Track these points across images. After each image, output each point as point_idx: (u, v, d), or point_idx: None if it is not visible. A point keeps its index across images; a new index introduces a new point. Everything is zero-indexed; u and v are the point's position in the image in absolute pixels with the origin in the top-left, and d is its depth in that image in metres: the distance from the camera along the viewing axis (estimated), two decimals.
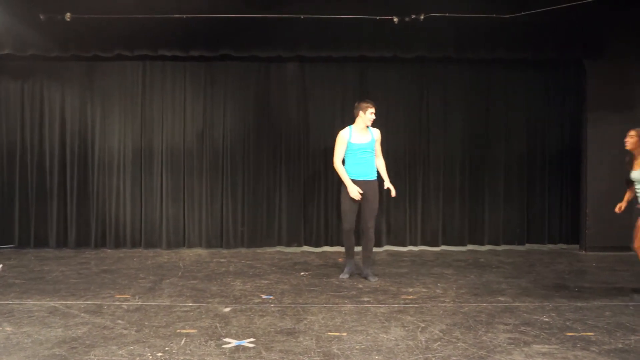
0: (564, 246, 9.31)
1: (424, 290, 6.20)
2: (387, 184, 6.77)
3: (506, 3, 8.05)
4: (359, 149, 6.55)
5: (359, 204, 6.56)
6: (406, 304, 5.60)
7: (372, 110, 6.58)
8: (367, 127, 6.62)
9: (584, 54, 8.63)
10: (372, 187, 6.58)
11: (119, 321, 4.90)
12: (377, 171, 6.73)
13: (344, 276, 6.76)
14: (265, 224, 9.05)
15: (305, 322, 4.96)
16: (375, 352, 4.15)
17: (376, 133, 6.71)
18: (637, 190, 6.06)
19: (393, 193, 6.76)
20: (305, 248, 8.96)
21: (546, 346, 4.32)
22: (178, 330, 4.66)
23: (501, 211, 9.29)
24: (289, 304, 5.59)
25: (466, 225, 9.25)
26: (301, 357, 4.06)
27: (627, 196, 6.31)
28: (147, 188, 8.96)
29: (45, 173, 8.91)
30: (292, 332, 4.67)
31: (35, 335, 4.52)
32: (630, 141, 6.16)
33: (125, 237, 8.93)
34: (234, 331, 4.65)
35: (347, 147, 6.57)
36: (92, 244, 8.90)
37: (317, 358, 4.04)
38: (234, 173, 9.03)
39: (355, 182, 6.52)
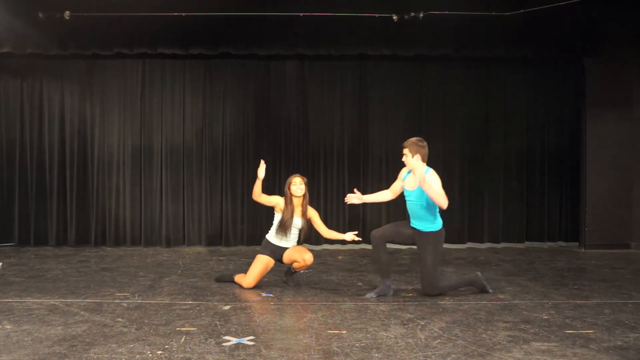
0: (563, 244, 9.33)
1: None
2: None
3: (505, 1, 8.06)
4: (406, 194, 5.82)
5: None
6: (406, 301, 5.60)
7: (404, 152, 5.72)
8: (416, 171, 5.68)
9: (583, 52, 8.64)
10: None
11: (119, 319, 4.90)
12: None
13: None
14: (264, 222, 9.04)
15: (304, 320, 4.97)
16: (374, 350, 4.16)
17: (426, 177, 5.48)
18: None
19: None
20: (305, 246, 8.94)
21: (545, 344, 4.32)
22: (178, 328, 4.66)
23: (500, 209, 9.30)
24: (288, 301, 5.59)
25: (466, 223, 9.26)
26: (301, 355, 4.06)
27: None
28: (147, 186, 8.97)
29: (45, 171, 8.92)
30: (292, 330, 4.68)
31: (35, 333, 4.52)
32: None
33: (125, 235, 8.95)
34: (234, 329, 4.66)
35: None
36: (92, 242, 8.91)
37: (317, 356, 4.04)
38: (234, 171, 9.04)
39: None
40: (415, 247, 5.89)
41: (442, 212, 5.71)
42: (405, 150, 5.71)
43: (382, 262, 5.84)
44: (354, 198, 6.02)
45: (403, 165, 5.81)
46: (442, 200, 5.42)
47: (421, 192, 5.57)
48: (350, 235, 5.95)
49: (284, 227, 6.06)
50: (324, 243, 9.07)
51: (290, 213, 6.06)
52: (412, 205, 5.73)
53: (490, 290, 5.90)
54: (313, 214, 6.20)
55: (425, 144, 5.75)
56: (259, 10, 8.10)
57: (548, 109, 9.41)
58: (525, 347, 4.23)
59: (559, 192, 9.48)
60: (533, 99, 9.37)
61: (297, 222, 6.10)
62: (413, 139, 5.76)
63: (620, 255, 8.25)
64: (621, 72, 8.70)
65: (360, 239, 6.09)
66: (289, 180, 6.17)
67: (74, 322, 4.81)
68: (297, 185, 6.08)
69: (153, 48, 8.46)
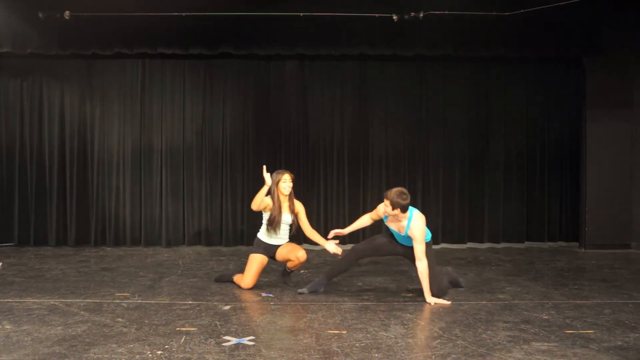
0: (564, 244, 9.33)
1: None
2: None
3: (505, 1, 8.05)
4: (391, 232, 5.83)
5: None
6: (406, 301, 5.60)
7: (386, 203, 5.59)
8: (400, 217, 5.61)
9: (582, 51, 8.63)
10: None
11: (119, 319, 4.91)
12: None
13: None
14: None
15: (305, 320, 4.97)
16: (375, 350, 4.16)
17: (412, 227, 5.55)
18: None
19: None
20: (305, 246, 8.92)
21: (546, 344, 4.32)
22: (178, 328, 4.66)
23: (501, 209, 9.30)
24: (288, 301, 5.59)
25: (466, 223, 9.26)
26: (301, 355, 4.06)
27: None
28: (147, 186, 8.96)
29: (44, 171, 8.92)
30: (292, 330, 4.68)
31: (35, 333, 4.52)
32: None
33: (125, 235, 8.94)
34: (234, 329, 4.66)
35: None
36: (92, 242, 8.91)
37: (317, 356, 4.04)
38: (234, 171, 9.04)
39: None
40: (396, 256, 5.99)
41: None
42: (387, 202, 5.53)
43: (338, 268, 5.94)
44: (334, 243, 5.83)
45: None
46: (423, 257, 5.47)
47: (409, 238, 5.62)
48: (332, 247, 5.80)
49: (273, 225, 5.99)
50: None
51: (278, 210, 5.98)
52: (399, 237, 5.76)
53: (464, 286, 6.07)
54: (300, 208, 6.10)
55: (407, 196, 5.50)
56: (259, 10, 8.09)
57: (548, 109, 9.40)
58: (525, 347, 4.23)
59: (559, 192, 9.48)
60: (533, 99, 9.37)
61: (287, 218, 6.05)
62: (395, 192, 5.47)
63: (620, 255, 8.25)
64: (621, 71, 8.69)
65: (340, 253, 5.83)
66: (277, 177, 6.00)
67: (74, 322, 4.81)
68: (287, 183, 5.99)
69: (153, 48, 8.46)
